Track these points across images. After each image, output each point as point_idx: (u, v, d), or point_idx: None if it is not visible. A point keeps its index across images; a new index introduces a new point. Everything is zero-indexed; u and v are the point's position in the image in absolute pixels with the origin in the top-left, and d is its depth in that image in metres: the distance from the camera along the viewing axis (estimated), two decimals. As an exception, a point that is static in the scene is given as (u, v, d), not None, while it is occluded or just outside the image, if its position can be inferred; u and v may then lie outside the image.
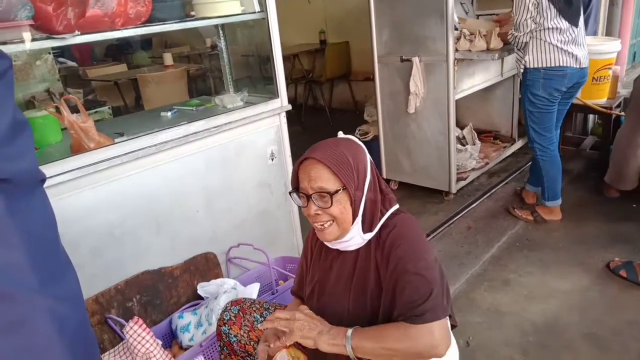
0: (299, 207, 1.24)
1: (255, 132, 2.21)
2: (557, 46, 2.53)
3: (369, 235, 1.20)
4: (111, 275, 1.82)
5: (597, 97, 3.37)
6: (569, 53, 2.54)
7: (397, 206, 1.25)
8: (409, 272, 1.12)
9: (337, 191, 1.14)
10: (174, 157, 1.93)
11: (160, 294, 1.89)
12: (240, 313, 1.43)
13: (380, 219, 1.20)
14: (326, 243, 1.26)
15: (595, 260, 2.48)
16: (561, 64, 2.55)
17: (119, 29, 1.76)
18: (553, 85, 2.59)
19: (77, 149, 1.71)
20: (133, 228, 1.85)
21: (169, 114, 2.24)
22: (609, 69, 3.30)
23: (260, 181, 2.26)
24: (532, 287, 2.33)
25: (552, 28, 2.51)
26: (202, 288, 1.97)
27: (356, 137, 3.84)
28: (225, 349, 1.44)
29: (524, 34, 2.56)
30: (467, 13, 3.59)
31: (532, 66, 2.59)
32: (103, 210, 1.77)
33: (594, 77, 3.28)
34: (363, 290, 1.21)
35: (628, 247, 2.57)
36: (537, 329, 2.05)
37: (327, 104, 5.67)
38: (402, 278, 1.12)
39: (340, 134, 1.27)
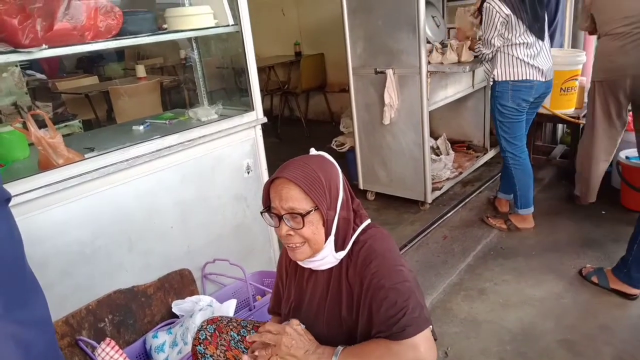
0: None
1: (230, 145, 2.19)
2: (523, 60, 2.62)
3: (342, 254, 1.19)
4: (82, 295, 1.76)
5: (565, 107, 3.47)
6: (534, 67, 2.64)
7: (368, 221, 1.24)
8: (384, 288, 1.11)
9: (308, 212, 1.12)
10: (147, 172, 1.89)
11: (134, 313, 1.84)
12: (217, 332, 1.40)
13: (352, 236, 1.19)
14: (298, 262, 1.24)
15: (568, 267, 2.54)
16: (528, 78, 2.64)
17: (88, 43, 1.72)
18: (521, 97, 2.67)
19: (45, 165, 1.66)
20: (104, 246, 1.80)
21: (142, 127, 2.20)
22: (576, 79, 3.41)
23: (236, 195, 2.23)
24: (507, 295, 2.36)
25: (520, 43, 2.60)
26: (177, 306, 1.92)
27: (333, 148, 3.80)
28: (201, 369, 1.41)
29: (490, 52, 2.67)
30: (438, 27, 3.66)
31: (500, 79, 2.68)
32: (73, 228, 1.71)
33: (561, 88, 3.39)
34: (337, 310, 1.19)
35: (599, 253, 2.63)
36: (513, 337, 2.07)
37: (303, 115, 5.68)
38: (378, 294, 1.11)
39: (312, 151, 1.25)
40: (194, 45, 2.43)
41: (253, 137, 2.27)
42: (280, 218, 1.15)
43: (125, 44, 1.84)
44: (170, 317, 1.95)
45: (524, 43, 2.60)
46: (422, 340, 1.08)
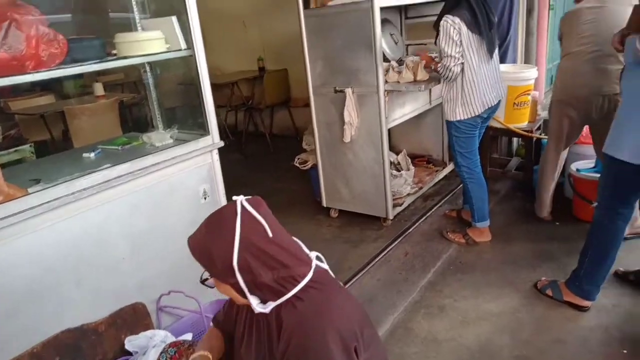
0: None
1: (185, 172, 2.15)
2: (477, 96, 2.69)
3: (272, 305, 1.14)
4: (31, 336, 1.67)
5: (519, 121, 3.59)
6: (486, 98, 2.73)
7: (306, 280, 1.13)
8: None
9: (206, 279, 1.19)
10: (96, 203, 1.83)
11: (83, 352, 1.76)
12: (177, 355, 1.42)
13: (282, 296, 1.12)
14: None
15: (524, 280, 2.60)
16: (480, 112, 2.74)
17: (29, 73, 1.66)
18: (476, 115, 2.75)
19: (-17, 203, 1.58)
20: (52, 283, 1.73)
21: (92, 155, 2.14)
22: (528, 94, 3.53)
23: (192, 222, 2.16)
24: (466, 311, 2.39)
25: (474, 73, 2.65)
26: (130, 342, 1.85)
27: (296, 166, 3.69)
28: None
29: (455, 65, 2.61)
30: (396, 43, 3.73)
31: (462, 118, 2.74)
32: (17, 266, 1.63)
33: (514, 103, 3.50)
34: (261, 356, 1.19)
35: (553, 265, 2.71)
36: (472, 355, 2.10)
37: (268, 131, 5.66)
38: None
39: (236, 199, 1.16)
40: (148, 69, 2.39)
41: (209, 161, 2.24)
42: None
43: (68, 73, 1.79)
44: (123, 355, 1.88)
45: (477, 71, 2.65)
46: None
